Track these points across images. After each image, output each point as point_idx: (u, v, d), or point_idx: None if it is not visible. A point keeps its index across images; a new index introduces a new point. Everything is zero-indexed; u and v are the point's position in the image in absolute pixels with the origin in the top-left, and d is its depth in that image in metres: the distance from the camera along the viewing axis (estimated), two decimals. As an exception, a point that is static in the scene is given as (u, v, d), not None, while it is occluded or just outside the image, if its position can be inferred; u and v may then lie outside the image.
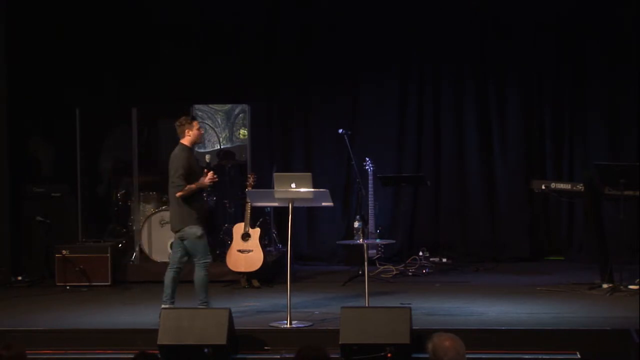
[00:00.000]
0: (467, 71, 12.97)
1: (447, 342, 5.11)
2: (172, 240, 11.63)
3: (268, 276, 11.24)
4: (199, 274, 8.94)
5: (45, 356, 8.16)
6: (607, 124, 12.70)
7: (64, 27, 12.46)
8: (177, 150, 9.09)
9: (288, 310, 8.58)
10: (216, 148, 12.91)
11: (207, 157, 9.25)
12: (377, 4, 12.76)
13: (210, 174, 9.04)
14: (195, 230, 8.93)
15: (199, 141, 9.30)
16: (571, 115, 12.84)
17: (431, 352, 5.13)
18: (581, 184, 10.89)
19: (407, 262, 11.89)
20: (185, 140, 9.09)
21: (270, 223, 12.19)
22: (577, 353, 7.86)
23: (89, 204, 12.16)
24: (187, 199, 8.90)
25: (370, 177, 12.06)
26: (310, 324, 8.72)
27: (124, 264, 11.68)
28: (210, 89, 12.82)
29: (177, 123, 9.16)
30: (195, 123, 9.17)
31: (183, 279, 11.31)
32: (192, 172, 8.97)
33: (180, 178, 8.88)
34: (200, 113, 12.65)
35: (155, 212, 11.77)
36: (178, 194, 8.89)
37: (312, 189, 8.71)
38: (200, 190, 9.13)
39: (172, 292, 8.95)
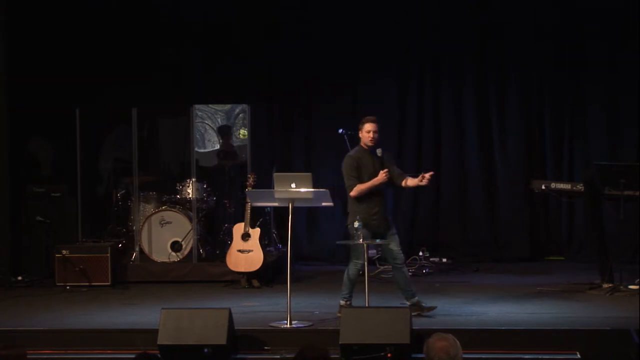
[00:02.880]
0: (467, 71, 12.98)
1: (440, 343, 5.13)
2: (172, 240, 11.77)
3: (268, 276, 11.24)
4: (347, 270, 9.08)
5: (45, 356, 8.16)
6: (607, 124, 12.71)
7: (64, 27, 12.46)
8: (351, 151, 9.21)
9: (288, 310, 8.58)
10: (216, 148, 12.92)
11: (379, 151, 9.05)
12: (378, 4, 12.76)
13: (381, 173, 8.90)
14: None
15: (368, 142, 9.06)
16: (571, 115, 12.84)
17: (425, 351, 5.18)
18: (581, 184, 10.90)
19: (407, 262, 11.88)
20: (362, 142, 9.13)
21: (270, 223, 12.20)
22: (577, 353, 7.87)
23: (89, 204, 12.15)
24: (358, 198, 8.95)
25: (370, 177, 12.04)
26: (310, 324, 8.72)
27: (124, 264, 11.68)
28: (210, 89, 12.83)
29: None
30: (366, 125, 9.08)
31: (183, 279, 11.42)
32: (364, 171, 8.94)
33: (349, 178, 8.99)
34: (200, 113, 12.67)
35: (155, 212, 11.77)
36: (351, 194, 9.00)
37: (312, 189, 8.71)
38: (376, 190, 8.97)
39: (352, 290, 9.04)
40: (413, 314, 8.49)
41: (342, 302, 8.99)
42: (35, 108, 12.31)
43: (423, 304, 8.98)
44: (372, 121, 9.09)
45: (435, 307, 9.01)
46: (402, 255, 9.07)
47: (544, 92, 12.92)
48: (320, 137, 13.00)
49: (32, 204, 12.01)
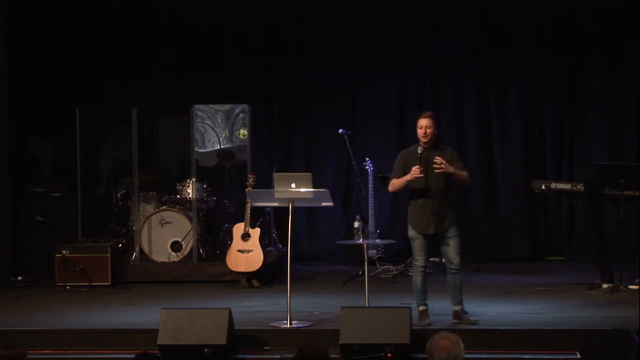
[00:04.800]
0: (467, 71, 12.98)
1: (442, 342, 5.14)
2: (172, 240, 11.76)
3: (268, 276, 11.24)
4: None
5: (45, 356, 8.16)
6: (607, 124, 12.71)
7: (64, 27, 12.46)
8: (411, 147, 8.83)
9: (288, 310, 8.58)
10: (216, 148, 12.92)
11: (419, 149, 8.57)
12: (378, 4, 12.76)
13: (414, 169, 8.51)
14: (409, 231, 8.78)
15: (420, 138, 8.63)
16: (571, 115, 12.84)
17: (427, 348, 5.19)
18: (581, 184, 10.90)
19: (407, 262, 11.87)
20: None
21: (270, 223, 12.20)
22: (577, 353, 7.87)
23: (89, 204, 12.14)
24: (409, 197, 8.71)
25: (370, 177, 12.06)
26: (310, 324, 8.72)
27: (124, 264, 11.68)
28: (210, 89, 12.83)
29: None
30: (418, 121, 8.67)
31: (183, 279, 11.42)
32: (408, 167, 8.57)
33: (393, 172, 8.70)
34: (200, 113, 12.66)
35: (155, 212, 11.77)
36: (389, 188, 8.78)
37: (312, 189, 8.71)
38: (424, 188, 8.59)
39: (422, 294, 8.76)
40: (454, 320, 8.51)
41: (418, 308, 8.72)
42: (35, 108, 12.31)
43: (468, 315, 8.69)
44: (423, 116, 8.68)
45: (477, 322, 8.64)
46: (457, 260, 8.71)
47: (544, 92, 12.91)
48: (320, 137, 13.01)
49: (32, 204, 12.00)
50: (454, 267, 8.72)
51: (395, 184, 8.73)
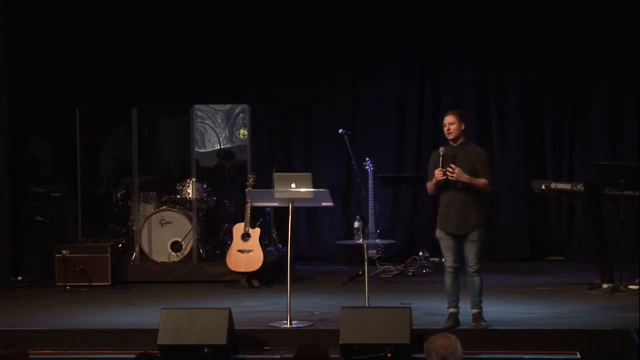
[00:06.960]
0: (467, 71, 12.98)
1: (441, 340, 5.16)
2: (172, 240, 11.77)
3: (268, 276, 11.24)
4: None
5: (45, 356, 8.16)
6: (607, 124, 12.71)
7: (64, 27, 12.46)
8: None
9: (288, 310, 8.59)
10: (216, 148, 12.92)
11: (441, 149, 8.41)
12: (378, 4, 12.77)
13: (436, 172, 8.37)
14: (436, 230, 8.63)
15: (446, 136, 8.46)
16: (571, 115, 12.84)
17: (425, 347, 5.21)
18: (581, 184, 10.91)
19: (407, 262, 11.90)
20: None
21: (270, 223, 12.20)
22: (577, 353, 7.87)
23: (89, 204, 12.14)
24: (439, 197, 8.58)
25: (370, 177, 12.06)
26: (310, 324, 8.73)
27: (124, 264, 11.68)
28: (210, 89, 12.83)
29: None
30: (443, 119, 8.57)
31: (182, 279, 11.43)
32: (435, 168, 8.41)
33: (428, 175, 8.54)
34: (200, 113, 12.66)
35: (155, 212, 11.77)
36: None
37: (312, 189, 8.71)
38: (450, 189, 8.42)
39: (451, 296, 8.61)
40: (472, 323, 8.46)
41: (447, 309, 8.66)
42: (35, 108, 12.31)
43: (483, 320, 8.52)
44: (447, 113, 8.53)
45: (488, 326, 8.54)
46: (474, 263, 8.46)
47: (544, 92, 12.92)
48: (320, 137, 13.02)
49: (32, 204, 12.00)
50: (470, 269, 8.55)
51: (428, 188, 8.60)
